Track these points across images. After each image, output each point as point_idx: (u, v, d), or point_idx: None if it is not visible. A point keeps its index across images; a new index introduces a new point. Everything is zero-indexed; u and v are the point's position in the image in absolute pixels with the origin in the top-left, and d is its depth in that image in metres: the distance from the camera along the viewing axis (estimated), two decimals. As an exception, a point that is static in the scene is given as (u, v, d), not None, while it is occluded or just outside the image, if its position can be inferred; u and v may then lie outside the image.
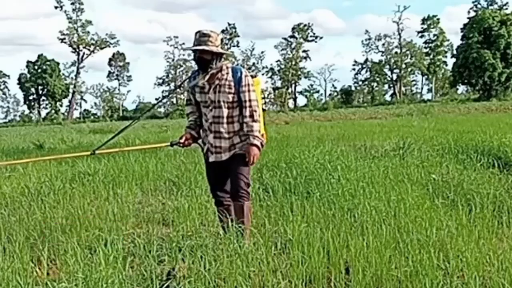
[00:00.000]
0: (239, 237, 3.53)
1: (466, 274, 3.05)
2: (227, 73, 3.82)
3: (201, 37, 3.75)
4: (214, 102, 3.80)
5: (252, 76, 3.93)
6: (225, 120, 3.82)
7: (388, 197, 4.74)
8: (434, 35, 68.65)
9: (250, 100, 3.82)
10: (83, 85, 76.03)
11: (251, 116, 3.82)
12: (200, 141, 4.00)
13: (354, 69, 73.63)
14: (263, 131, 3.94)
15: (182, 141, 3.91)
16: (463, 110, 33.36)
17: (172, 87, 75.51)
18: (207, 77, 3.78)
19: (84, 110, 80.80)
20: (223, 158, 3.84)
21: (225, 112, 3.81)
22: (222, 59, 3.82)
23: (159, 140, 13.72)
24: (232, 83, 3.81)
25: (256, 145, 3.81)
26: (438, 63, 69.00)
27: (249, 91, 3.83)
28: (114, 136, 4.44)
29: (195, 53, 3.80)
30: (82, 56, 71.16)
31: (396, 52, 70.12)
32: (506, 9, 57.98)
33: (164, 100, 73.81)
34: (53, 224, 4.36)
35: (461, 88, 70.01)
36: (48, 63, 69.64)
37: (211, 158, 3.87)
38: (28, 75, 70.05)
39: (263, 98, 4.73)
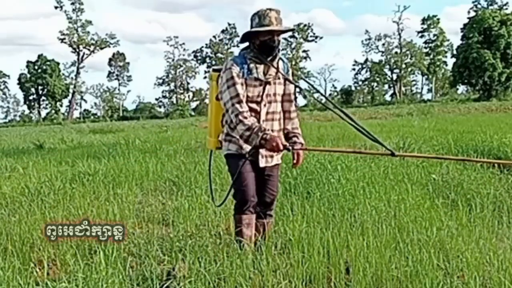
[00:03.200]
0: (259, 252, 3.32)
1: (466, 274, 3.05)
2: (278, 61, 3.35)
3: (279, 14, 3.21)
4: (270, 96, 3.30)
5: None
6: (278, 116, 3.37)
7: (388, 197, 4.74)
8: (434, 35, 68.68)
9: (294, 93, 3.44)
10: (83, 85, 76.24)
11: (296, 111, 3.46)
12: (233, 142, 3.37)
13: (354, 69, 73.80)
14: None
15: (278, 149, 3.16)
16: (463, 110, 33.31)
17: (172, 87, 75.49)
18: (274, 65, 3.27)
19: (84, 110, 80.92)
20: (273, 162, 3.39)
21: (279, 106, 3.36)
22: None
23: (158, 140, 13.71)
24: (283, 73, 3.36)
25: (302, 144, 3.45)
26: (438, 63, 69.02)
27: (292, 83, 3.42)
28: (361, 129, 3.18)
29: (265, 36, 3.19)
30: (82, 56, 71.24)
31: (396, 52, 70.18)
32: (506, 9, 58.00)
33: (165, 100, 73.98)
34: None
35: (461, 88, 70.07)
36: (48, 63, 69.66)
37: (262, 163, 3.33)
38: (28, 75, 70.07)
39: None
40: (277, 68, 3.29)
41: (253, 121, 3.17)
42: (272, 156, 3.35)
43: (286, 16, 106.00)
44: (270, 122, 3.31)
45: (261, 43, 3.20)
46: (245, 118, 3.17)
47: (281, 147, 3.12)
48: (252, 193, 3.33)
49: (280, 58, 3.35)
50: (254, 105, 3.26)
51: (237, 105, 3.18)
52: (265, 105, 3.28)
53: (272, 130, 3.28)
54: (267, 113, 3.30)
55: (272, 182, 3.42)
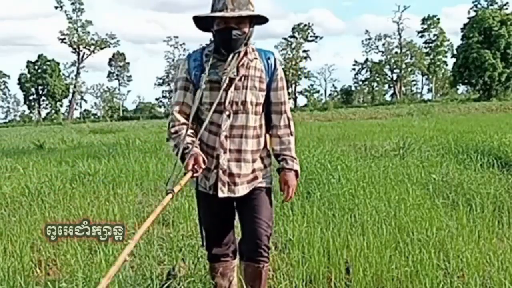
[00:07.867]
0: None
1: (466, 274, 3.05)
2: (255, 59, 2.45)
3: None
4: (237, 104, 2.41)
5: None
6: (251, 132, 2.45)
7: (388, 197, 4.74)
8: (434, 35, 68.76)
9: (285, 103, 2.53)
10: (83, 85, 76.30)
11: (288, 126, 2.55)
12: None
13: (354, 69, 73.83)
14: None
15: (194, 171, 2.28)
16: (463, 110, 33.35)
17: (172, 87, 75.48)
18: (233, 62, 2.38)
19: (84, 110, 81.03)
20: (239, 192, 2.46)
21: (252, 119, 2.44)
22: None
23: (158, 140, 13.70)
24: (264, 75, 2.45)
25: (296, 172, 2.59)
26: (438, 63, 69.09)
27: (283, 88, 2.52)
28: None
29: (219, 24, 2.34)
30: (82, 56, 71.25)
31: (396, 52, 70.20)
32: (506, 9, 57.96)
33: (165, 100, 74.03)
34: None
35: (461, 88, 70.12)
36: (48, 63, 69.74)
37: (222, 193, 2.44)
38: (28, 75, 70.15)
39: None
40: (236, 68, 2.38)
41: (180, 132, 2.40)
42: (235, 183, 2.44)
43: (285, 16, 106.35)
44: (238, 140, 2.43)
45: (216, 33, 2.37)
46: (176, 130, 2.42)
47: (198, 170, 2.28)
48: (212, 239, 2.57)
49: (264, 55, 2.49)
50: (215, 116, 2.40)
51: (175, 114, 2.44)
52: (229, 115, 2.40)
53: (241, 150, 2.43)
54: (232, 127, 2.42)
55: (252, 217, 2.48)
